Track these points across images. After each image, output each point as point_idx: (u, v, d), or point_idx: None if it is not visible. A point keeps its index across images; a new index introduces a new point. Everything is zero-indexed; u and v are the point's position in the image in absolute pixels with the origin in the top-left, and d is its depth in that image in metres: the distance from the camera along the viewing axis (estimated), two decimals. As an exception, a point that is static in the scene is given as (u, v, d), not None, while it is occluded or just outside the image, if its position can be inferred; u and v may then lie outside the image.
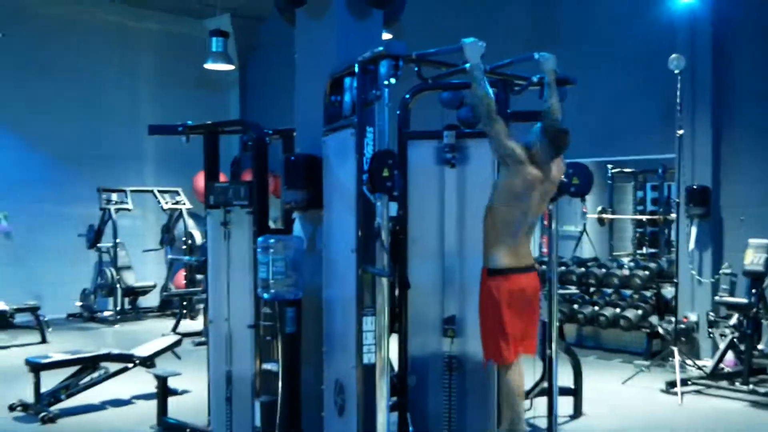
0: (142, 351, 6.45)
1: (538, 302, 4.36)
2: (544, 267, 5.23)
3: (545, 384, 5.02)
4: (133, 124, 11.07)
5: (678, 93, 7.38)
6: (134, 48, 11.94)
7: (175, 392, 6.21)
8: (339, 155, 4.19)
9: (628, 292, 8.60)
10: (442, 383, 4.83)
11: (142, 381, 6.45)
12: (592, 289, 8.90)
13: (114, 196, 10.92)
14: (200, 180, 5.54)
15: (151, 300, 11.37)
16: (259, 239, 4.48)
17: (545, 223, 4.72)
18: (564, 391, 5.81)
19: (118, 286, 10.76)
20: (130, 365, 6.41)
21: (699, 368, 7.21)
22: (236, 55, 12.14)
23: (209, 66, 10.83)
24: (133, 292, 10.99)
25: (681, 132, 7.37)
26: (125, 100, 11.76)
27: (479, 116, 4.08)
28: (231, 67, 11.15)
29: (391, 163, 3.63)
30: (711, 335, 7.51)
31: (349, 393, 4.02)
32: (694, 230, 8.00)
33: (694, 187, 7.94)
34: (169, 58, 12.12)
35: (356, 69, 3.85)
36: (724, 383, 6.78)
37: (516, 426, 4.21)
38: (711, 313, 7.46)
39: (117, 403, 6.37)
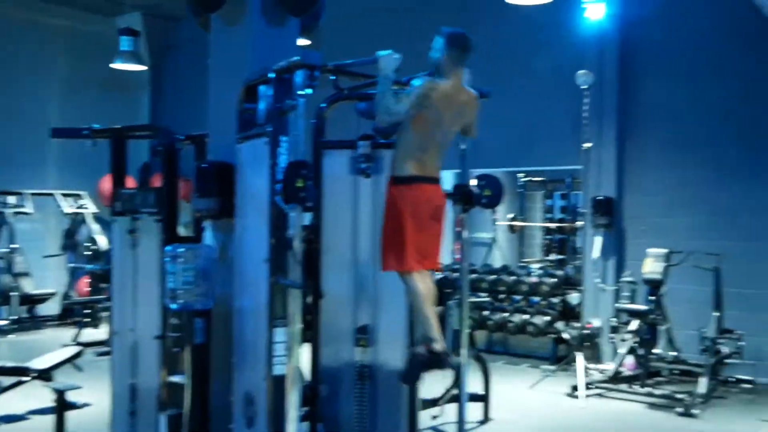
0: (40, 363, 6.16)
1: (443, 215, 4.31)
2: (456, 274, 5.28)
3: (455, 391, 5.07)
4: (38, 124, 10.57)
5: (585, 107, 7.62)
6: (42, 45, 11.46)
7: (74, 406, 5.95)
8: (252, 164, 4.13)
9: (537, 298, 8.82)
10: (354, 392, 4.81)
11: (39, 395, 6.18)
12: (501, 296, 9.07)
13: (12, 199, 10.45)
14: (106, 183, 5.37)
15: (51, 308, 10.94)
16: (168, 248, 4.37)
17: (457, 229, 4.76)
18: (473, 397, 5.89)
19: (14, 293, 10.28)
20: (26, 378, 6.12)
21: (601, 372, 7.44)
22: (148, 55, 11.84)
23: (118, 66, 10.51)
24: (31, 300, 10.53)
25: (588, 145, 7.60)
26: (30, 98, 11.29)
27: (378, 120, 4.08)
28: (142, 67, 10.87)
29: (305, 174, 3.59)
30: (612, 340, 7.76)
31: (259, 405, 3.96)
32: (598, 239, 8.27)
33: (599, 197, 8.21)
34: (78, 56, 11.71)
35: (271, 77, 3.80)
36: (624, 386, 7.04)
37: (428, 331, 4.15)
38: (613, 319, 7.71)
39: (10, 419, 6.09)
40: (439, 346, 4.16)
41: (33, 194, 10.57)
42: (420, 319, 4.24)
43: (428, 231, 4.22)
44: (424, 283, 4.18)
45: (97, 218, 10.36)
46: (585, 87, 7.49)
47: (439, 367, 4.27)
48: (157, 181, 5.04)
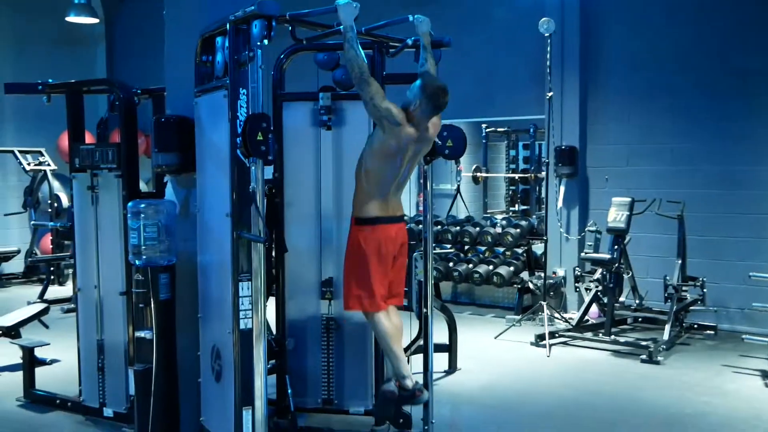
0: (5, 320, 6.14)
1: (406, 252, 4.37)
2: (420, 226, 5.30)
3: (421, 341, 5.13)
4: (-9, 81, 10.36)
5: (548, 56, 7.60)
6: (-10, -1, 11.15)
7: (43, 362, 5.95)
8: (212, 117, 4.07)
9: (501, 249, 8.90)
10: (321, 345, 4.85)
11: (6, 352, 6.17)
12: (466, 248, 9.14)
13: (-31, 157, 10.25)
14: (65, 140, 5.27)
15: (16, 266, 10.82)
16: (129, 204, 4.33)
17: (421, 181, 4.76)
18: (439, 348, 5.97)
19: (-24, 252, 10.16)
20: (-7, 336, 6.11)
21: (566, 321, 7.56)
22: (101, 7, 11.55)
23: (71, 19, 10.25)
24: (-5, 258, 10.42)
25: (550, 94, 7.61)
26: (-20, 55, 10.99)
27: (353, 78, 4.04)
28: (95, 20, 10.60)
29: (265, 127, 3.55)
30: (577, 290, 7.88)
31: (226, 358, 3.97)
32: (562, 189, 8.34)
33: (563, 147, 8.25)
34: (29, 10, 11.36)
35: (228, 29, 3.73)
36: (588, 334, 7.15)
37: (398, 369, 4.25)
38: (577, 269, 7.81)
39: (-21, 376, 6.07)
40: (409, 382, 4.28)
41: (-9, 151, 10.37)
42: (389, 357, 4.33)
43: (394, 269, 4.28)
44: (389, 321, 4.27)
45: (58, 175, 10.18)
46: (547, 35, 7.46)
47: (411, 403, 4.39)
48: (116, 137, 4.96)
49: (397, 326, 4.33)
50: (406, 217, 4.39)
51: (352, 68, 3.97)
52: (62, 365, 6.14)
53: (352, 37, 3.92)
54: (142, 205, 4.26)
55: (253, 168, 3.62)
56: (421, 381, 4.87)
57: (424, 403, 4.69)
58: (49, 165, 10.37)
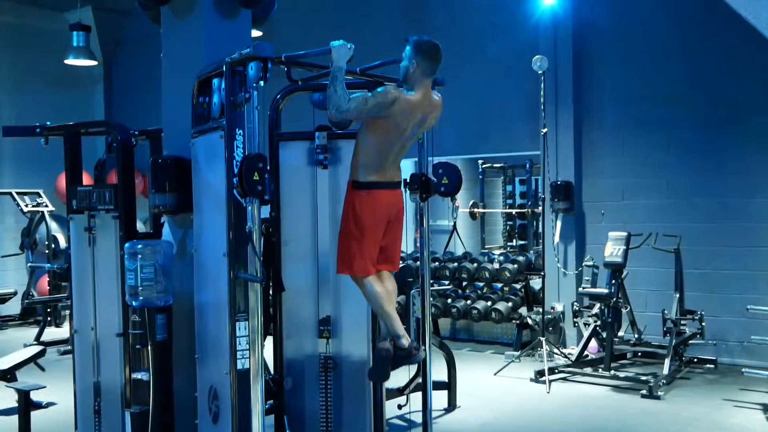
0: (1, 363, 6.10)
1: (402, 218, 4.32)
2: (417, 263, 5.30)
3: (420, 379, 5.11)
4: (-12, 124, 10.42)
5: (542, 92, 7.68)
6: (-12, 42, 11.26)
7: (39, 405, 5.92)
8: (208, 158, 4.10)
9: (499, 285, 8.89)
10: (319, 384, 4.82)
11: (2, 396, 6.12)
12: (464, 284, 9.13)
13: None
14: (63, 181, 5.29)
15: (12, 308, 10.78)
16: (127, 245, 4.34)
17: (417, 218, 4.78)
18: (438, 385, 5.95)
19: (-27, 294, 10.12)
20: (-12, 379, 6.07)
21: (565, 356, 7.53)
22: (100, 50, 11.67)
23: (70, 62, 10.35)
24: (-8, 300, 10.38)
25: (545, 130, 7.66)
26: (-22, 98, 11.08)
27: (330, 113, 4.03)
28: (94, 62, 10.70)
29: (261, 167, 3.57)
30: (576, 324, 7.86)
31: (224, 399, 3.95)
32: (558, 224, 8.36)
33: (558, 182, 8.28)
34: (27, 53, 11.47)
35: (224, 70, 3.77)
36: (588, 370, 7.13)
37: (392, 328, 4.18)
38: (575, 304, 7.80)
39: (-26, 420, 6.01)
40: (405, 341, 4.21)
41: (-12, 194, 10.39)
42: (382, 318, 4.28)
43: (388, 235, 4.25)
44: (381, 285, 4.22)
45: (56, 216, 10.20)
46: (540, 72, 7.54)
47: (407, 362, 4.31)
48: (113, 178, 4.98)
49: (389, 290, 4.26)
50: (400, 183, 4.34)
51: (329, 106, 3.98)
52: (58, 408, 6.09)
53: (337, 77, 3.92)
54: (139, 246, 4.27)
55: (249, 208, 3.64)
56: (419, 420, 4.85)
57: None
58: (46, 206, 10.39)
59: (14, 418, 5.49)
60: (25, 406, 5.41)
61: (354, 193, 4.16)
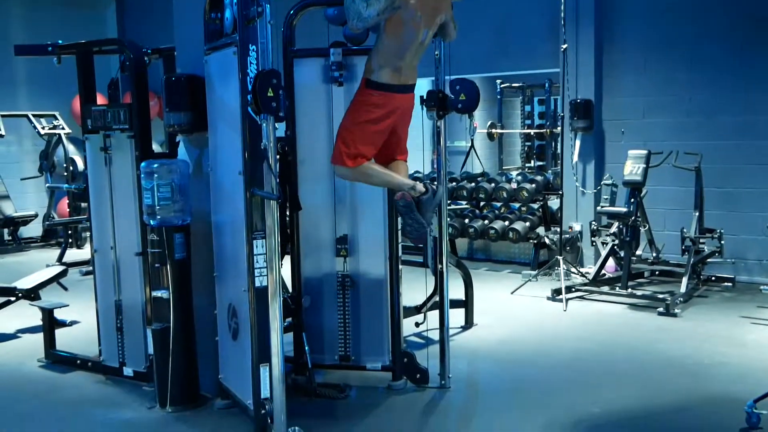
0: (25, 283, 6.21)
1: (410, 115, 4.32)
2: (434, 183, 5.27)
3: (437, 297, 5.14)
4: (2, 45, 10.32)
5: (562, 8, 7.47)
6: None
7: (63, 323, 6.04)
8: (222, 75, 4.05)
9: (517, 205, 8.87)
10: (337, 302, 4.86)
11: (27, 315, 6.24)
12: (482, 204, 9.11)
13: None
14: (78, 103, 5.27)
15: (34, 230, 10.93)
16: (143, 164, 4.34)
17: (435, 138, 4.72)
18: (456, 304, 5.99)
19: (-5, 216, 10.25)
20: (13, 299, 6.18)
21: (583, 275, 7.55)
22: (111, -33, 11.50)
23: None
24: (13, 223, 10.50)
25: (565, 46, 7.49)
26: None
27: (352, 24, 3.98)
28: (106, -20, 10.54)
29: (275, 83, 3.53)
30: (594, 244, 7.85)
31: (242, 316, 4.01)
32: (578, 143, 8.26)
33: (578, 100, 8.15)
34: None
35: (236, -16, 3.68)
36: (605, 288, 7.15)
37: (402, 185, 4.21)
38: (593, 223, 7.77)
39: (1, 338, 6.14)
40: (419, 186, 4.20)
41: (4, 116, 10.37)
42: (389, 185, 4.32)
43: (396, 132, 4.25)
44: (373, 163, 4.20)
45: (73, 138, 10.21)
46: (562, -14, 7.34)
47: (431, 202, 4.23)
48: (127, 98, 4.95)
49: (382, 167, 4.26)
50: (413, 87, 4.30)
51: (349, 17, 3.96)
52: (82, 326, 6.22)
53: None
54: (155, 165, 4.27)
55: (264, 125, 3.61)
56: (436, 337, 4.90)
57: (440, 358, 4.72)
58: (63, 128, 10.39)
59: (39, 336, 5.61)
60: (50, 324, 5.52)
61: (367, 92, 4.12)
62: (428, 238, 4.76)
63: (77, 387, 5.01)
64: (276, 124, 3.70)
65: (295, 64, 4.72)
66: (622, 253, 7.17)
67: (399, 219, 4.48)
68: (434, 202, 4.27)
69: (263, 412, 3.81)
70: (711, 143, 7.52)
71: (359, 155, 4.11)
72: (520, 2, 8.72)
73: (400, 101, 4.16)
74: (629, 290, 6.93)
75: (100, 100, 5.39)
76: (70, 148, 10.14)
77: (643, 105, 8.04)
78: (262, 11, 3.55)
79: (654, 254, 7.47)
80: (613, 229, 7.31)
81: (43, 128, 10.42)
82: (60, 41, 5.14)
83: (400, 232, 4.83)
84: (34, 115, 10.46)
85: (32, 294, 6.12)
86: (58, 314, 5.75)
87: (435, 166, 4.86)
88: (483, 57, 8.89)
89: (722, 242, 7.17)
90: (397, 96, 4.13)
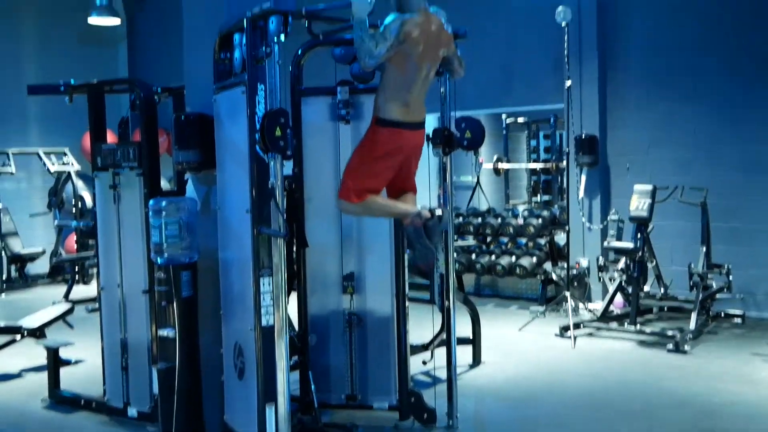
0: (31, 321, 6.20)
1: (420, 153, 4.33)
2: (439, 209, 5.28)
3: (444, 335, 5.11)
4: (16, 83, 10.35)
5: (565, 45, 7.53)
6: (12, 3, 11.21)
7: (68, 362, 6.02)
8: (230, 114, 4.08)
9: (524, 240, 8.85)
10: (343, 340, 4.84)
11: (32, 353, 6.22)
12: (488, 239, 9.10)
13: (-5, 159, 10.35)
14: (88, 140, 5.33)
15: (41, 266, 10.93)
16: (151, 202, 4.35)
17: (441, 174, 4.75)
18: (463, 341, 5.95)
19: (2, 253, 10.25)
20: (18, 337, 6.16)
21: (591, 311, 7.50)
22: (122, 8, 11.62)
23: (93, 20, 10.32)
24: (20, 259, 10.50)
25: (569, 83, 7.54)
26: (5, 58, 11.06)
27: (364, 62, 4.00)
28: (117, 21, 10.67)
29: (283, 122, 3.56)
30: (601, 279, 7.81)
31: (249, 355, 3.98)
32: (583, 178, 8.26)
33: (583, 136, 8.17)
34: (51, 12, 11.44)
35: (245, 25, 3.73)
36: (613, 324, 7.10)
37: (407, 214, 4.22)
38: (601, 258, 7.74)
39: (5, 377, 6.10)
40: (423, 212, 4.19)
41: (16, 153, 10.45)
42: (396, 215, 4.34)
43: (405, 168, 4.26)
44: (379, 196, 4.22)
45: (82, 175, 10.26)
46: (564, 24, 7.40)
47: (437, 227, 4.22)
48: (137, 136, 4.99)
49: (386, 200, 4.29)
50: (423, 123, 4.30)
51: (361, 56, 3.96)
52: (87, 365, 6.19)
53: (362, 27, 3.89)
54: (164, 203, 4.27)
55: (272, 163, 3.63)
56: (444, 376, 4.87)
57: (448, 397, 4.69)
58: (72, 165, 10.45)
59: (44, 375, 5.59)
60: (54, 362, 5.50)
61: (377, 130, 4.13)
62: (435, 271, 4.75)
63: (81, 428, 4.98)
64: (284, 162, 3.72)
65: (303, 103, 4.77)
66: (630, 289, 7.13)
67: (406, 254, 4.48)
68: (440, 227, 4.27)
69: (269, 452, 3.77)
70: (716, 177, 7.53)
71: (366, 190, 4.13)
72: (524, 39, 8.80)
73: (409, 138, 4.18)
74: (638, 327, 6.88)
75: (111, 137, 5.44)
76: (79, 184, 10.19)
77: (647, 139, 8.06)
78: (271, 52, 3.59)
79: (662, 290, 7.43)
80: (621, 264, 7.28)
81: (53, 165, 10.48)
82: (72, 80, 5.21)
83: (406, 269, 4.83)
84: (44, 152, 10.53)
85: (38, 332, 6.11)
86: (63, 353, 5.73)
87: (441, 201, 4.87)
88: (488, 93, 8.95)
89: (730, 277, 7.13)
90: (405, 133, 4.15)
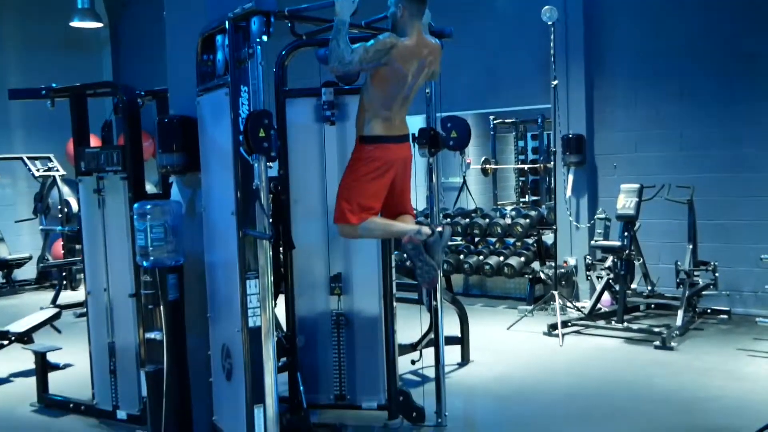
0: (18, 326, 6.18)
1: (410, 168, 4.34)
2: (428, 220, 5.29)
3: (432, 335, 5.12)
4: (-2, 89, 10.38)
5: (552, 44, 7.56)
6: (-7, 6, 11.19)
7: (56, 367, 6.00)
8: (214, 116, 4.07)
9: (511, 240, 8.87)
10: (331, 341, 4.84)
11: (20, 358, 6.20)
12: (476, 239, 9.12)
13: (-21, 166, 10.30)
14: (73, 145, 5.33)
15: (28, 272, 10.88)
16: (135, 205, 4.32)
17: (427, 174, 4.75)
18: (451, 341, 5.96)
19: (-11, 259, 10.22)
20: (5, 342, 6.14)
21: (578, 310, 7.53)
22: (105, 11, 11.58)
23: (76, 24, 10.28)
24: (7, 265, 10.47)
25: (555, 82, 7.57)
26: (-14, 63, 11.05)
27: (333, 66, 3.98)
28: (99, 24, 10.64)
29: (267, 123, 3.54)
30: (589, 278, 7.84)
31: (236, 357, 3.97)
32: (570, 178, 8.30)
33: (570, 135, 8.20)
34: (33, 16, 11.39)
35: (227, 26, 3.72)
36: (601, 322, 7.12)
37: (407, 233, 4.16)
38: (588, 257, 7.77)
39: (-6, 382, 6.10)
40: (424, 229, 4.13)
41: (0, 159, 10.40)
42: (396, 234, 4.30)
43: (397, 185, 4.26)
44: (377, 217, 4.21)
45: (68, 180, 10.21)
46: (550, 23, 7.42)
47: (438, 244, 4.16)
48: (121, 139, 4.97)
49: (384, 220, 4.27)
50: (408, 137, 4.32)
51: (331, 59, 3.95)
52: (75, 369, 6.17)
53: (341, 30, 3.88)
54: (148, 207, 4.25)
55: (256, 165, 3.62)
56: (432, 375, 4.87)
57: (436, 396, 4.69)
58: (57, 170, 10.40)
59: (32, 380, 5.57)
60: (43, 367, 5.48)
61: (361, 148, 4.14)
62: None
63: None
64: (269, 164, 3.71)
65: (288, 104, 4.76)
66: (617, 287, 7.16)
67: (393, 255, 4.47)
68: (442, 244, 4.24)
69: (258, 453, 3.76)
70: (703, 176, 7.57)
71: (363, 210, 4.13)
72: (510, 39, 8.82)
73: (396, 151, 4.19)
74: (625, 324, 6.90)
75: (95, 141, 5.41)
76: (65, 189, 10.13)
77: (634, 139, 8.10)
78: (253, 53, 3.58)
79: (649, 288, 7.46)
80: (608, 263, 7.31)
81: (38, 170, 10.43)
82: (54, 84, 5.18)
83: (393, 270, 4.83)
84: (29, 158, 10.47)
85: (25, 337, 6.09)
86: (52, 357, 5.71)
87: (429, 203, 4.87)
88: (475, 94, 8.97)
89: (716, 274, 7.17)
90: (392, 146, 4.16)
